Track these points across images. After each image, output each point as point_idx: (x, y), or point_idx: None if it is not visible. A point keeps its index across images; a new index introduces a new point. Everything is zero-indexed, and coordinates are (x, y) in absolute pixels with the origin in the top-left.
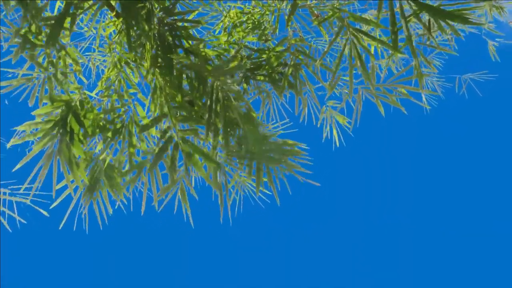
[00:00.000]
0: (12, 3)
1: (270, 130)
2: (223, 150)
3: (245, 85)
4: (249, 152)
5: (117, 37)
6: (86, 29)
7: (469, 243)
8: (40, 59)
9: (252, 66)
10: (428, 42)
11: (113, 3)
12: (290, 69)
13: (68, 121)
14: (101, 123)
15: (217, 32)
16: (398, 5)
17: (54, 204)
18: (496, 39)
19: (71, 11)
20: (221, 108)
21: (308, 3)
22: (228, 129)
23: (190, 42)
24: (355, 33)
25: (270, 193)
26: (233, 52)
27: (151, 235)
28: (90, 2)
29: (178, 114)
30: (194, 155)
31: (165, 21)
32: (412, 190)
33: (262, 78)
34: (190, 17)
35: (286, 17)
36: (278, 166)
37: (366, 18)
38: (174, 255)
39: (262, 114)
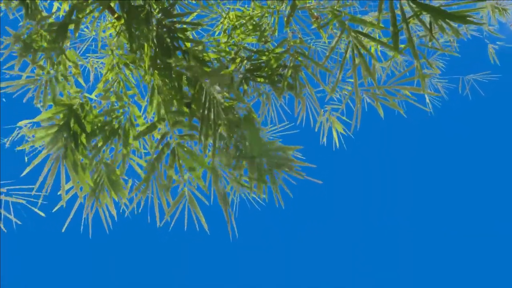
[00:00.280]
0: (13, 4)
1: (268, 132)
2: (220, 156)
3: (245, 86)
4: (250, 155)
5: (115, 39)
6: (86, 31)
7: (475, 244)
8: (40, 62)
9: (251, 68)
10: (429, 44)
11: (112, 4)
12: (290, 71)
13: (71, 125)
14: (99, 125)
15: (216, 33)
16: (398, 6)
17: (57, 206)
18: (497, 42)
19: (74, 17)
20: (216, 114)
21: (308, 5)
22: (227, 133)
23: (189, 44)
24: (356, 35)
25: (264, 196)
26: (232, 54)
27: (151, 236)
28: (91, 5)
29: (176, 118)
30: (191, 160)
31: (164, 23)
32: (417, 190)
33: (261, 80)
34: (189, 19)
35: (286, 19)
36: (279, 169)
37: (366, 20)
38: (174, 256)
39: (261, 116)
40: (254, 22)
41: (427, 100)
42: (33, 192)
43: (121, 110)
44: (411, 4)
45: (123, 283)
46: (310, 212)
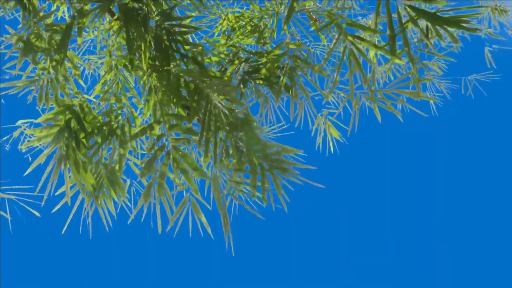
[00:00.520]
0: (11, 5)
1: (267, 133)
2: (221, 160)
3: (243, 89)
4: (251, 159)
5: (114, 40)
6: (85, 34)
7: (475, 244)
8: (41, 62)
9: (250, 70)
10: (426, 48)
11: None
12: (287, 72)
13: (72, 126)
14: (98, 125)
15: (215, 35)
16: (396, 11)
17: (58, 206)
18: (493, 45)
19: (76, 20)
20: (216, 118)
21: (306, 7)
22: (227, 136)
23: (187, 47)
24: (353, 39)
25: (258, 197)
26: (231, 56)
27: (150, 237)
28: (93, 11)
29: (173, 121)
30: (185, 165)
31: (163, 26)
32: (421, 191)
33: (260, 81)
34: (187, 21)
35: (284, 21)
36: (281, 172)
37: (362, 24)
38: (174, 257)
39: (260, 117)
40: (253, 24)
41: (431, 101)
42: (35, 193)
43: (119, 111)
44: (407, 9)
45: (123, 283)
46: (310, 212)
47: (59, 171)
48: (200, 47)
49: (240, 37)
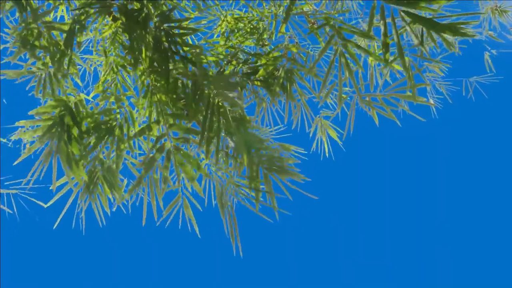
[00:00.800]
0: (9, 5)
1: (265, 134)
2: (220, 164)
3: (240, 90)
4: (251, 160)
5: (113, 40)
6: (84, 34)
7: (476, 244)
8: (40, 58)
9: (248, 71)
10: (421, 54)
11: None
12: (283, 73)
13: (66, 121)
14: (95, 123)
15: (215, 36)
16: (391, 16)
17: (51, 201)
18: (493, 50)
19: (79, 20)
20: (217, 118)
21: (304, 10)
22: (227, 136)
23: (187, 48)
24: (345, 43)
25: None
26: (229, 57)
27: (149, 238)
28: (94, 14)
29: (172, 121)
30: (187, 164)
31: (162, 27)
32: (421, 191)
33: (258, 83)
34: (186, 22)
35: (282, 22)
36: (282, 174)
37: (355, 29)
38: (174, 257)
39: (258, 117)
40: (252, 25)
41: (432, 102)
42: (29, 185)
43: (117, 111)
44: (402, 14)
45: (122, 283)
46: (310, 212)
47: (55, 167)
48: (199, 49)
49: (239, 38)
